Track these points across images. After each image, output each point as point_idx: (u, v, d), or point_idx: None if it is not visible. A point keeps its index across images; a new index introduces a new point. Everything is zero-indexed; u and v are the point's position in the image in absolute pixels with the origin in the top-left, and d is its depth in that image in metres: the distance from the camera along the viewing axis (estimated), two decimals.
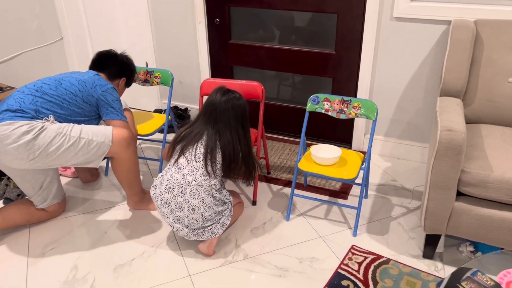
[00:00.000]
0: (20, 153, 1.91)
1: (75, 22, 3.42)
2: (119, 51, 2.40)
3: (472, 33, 2.14)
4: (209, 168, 1.90)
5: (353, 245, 2.09)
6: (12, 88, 2.83)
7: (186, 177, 1.90)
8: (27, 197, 2.19)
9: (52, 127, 1.95)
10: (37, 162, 1.95)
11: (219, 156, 1.92)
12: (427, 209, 1.85)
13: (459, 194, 1.83)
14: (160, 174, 1.99)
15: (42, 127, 1.93)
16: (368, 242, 2.12)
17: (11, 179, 2.44)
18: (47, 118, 1.99)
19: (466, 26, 2.16)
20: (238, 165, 1.99)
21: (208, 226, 1.96)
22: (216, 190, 1.95)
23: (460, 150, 1.69)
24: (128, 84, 2.46)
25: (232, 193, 2.17)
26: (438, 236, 1.95)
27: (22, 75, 3.18)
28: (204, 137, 1.94)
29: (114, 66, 2.33)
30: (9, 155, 1.91)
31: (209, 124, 1.95)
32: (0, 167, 2.03)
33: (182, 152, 1.94)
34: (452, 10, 2.32)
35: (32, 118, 1.95)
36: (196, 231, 1.96)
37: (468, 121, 2.22)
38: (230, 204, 2.03)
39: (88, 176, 2.62)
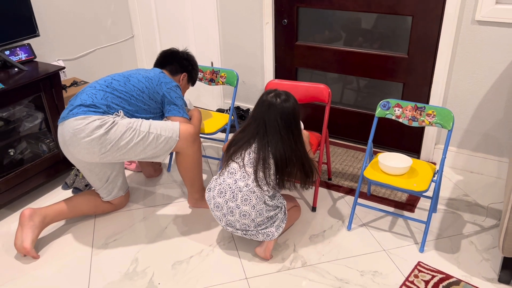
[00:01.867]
0: (93, 147, 1.97)
1: (146, 21, 3.52)
2: (181, 49, 2.44)
3: None
4: (261, 174, 1.85)
5: (419, 262, 1.96)
6: (86, 82, 2.96)
7: (238, 183, 1.87)
8: (94, 188, 2.27)
9: (123, 122, 2.00)
10: (108, 156, 2.01)
11: (271, 162, 1.86)
12: (508, 229, 1.69)
13: None
14: (214, 177, 1.97)
15: (113, 121, 1.99)
16: (437, 260, 1.98)
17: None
18: (117, 113, 2.05)
19: None
20: (293, 171, 1.92)
21: (262, 229, 1.92)
22: (268, 197, 1.89)
23: None
24: (191, 81, 2.48)
25: (287, 197, 2.11)
26: None
27: (95, 70, 3.33)
28: (254, 145, 1.89)
29: (175, 62, 2.37)
30: (82, 148, 1.98)
31: (259, 134, 1.88)
32: (71, 160, 2.12)
33: (233, 157, 1.91)
34: None
35: (104, 113, 2.01)
36: (250, 232, 1.92)
37: None
38: (283, 208, 1.97)
39: (152, 171, 2.67)
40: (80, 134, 1.96)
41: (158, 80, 2.19)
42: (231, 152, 1.94)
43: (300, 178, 1.97)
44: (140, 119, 2.07)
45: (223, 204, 1.90)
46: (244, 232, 1.93)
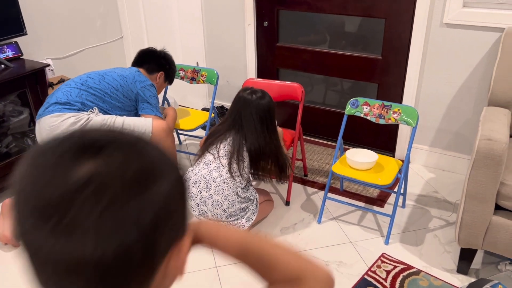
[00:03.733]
0: None
1: (134, 22, 3.62)
2: (159, 48, 2.53)
3: None
4: (234, 166, 1.94)
5: (383, 253, 2.05)
6: None
7: (212, 173, 1.95)
8: None
9: (97, 119, 2.09)
10: None
11: (246, 155, 1.96)
12: (462, 221, 1.78)
13: (498, 208, 1.73)
14: (190, 168, 2.06)
15: (88, 118, 2.08)
16: (400, 252, 2.06)
17: None
18: (92, 110, 2.14)
19: None
20: (267, 164, 2.01)
21: (233, 220, 2.00)
22: (241, 188, 1.98)
23: (500, 161, 1.61)
24: (168, 79, 2.56)
25: (260, 191, 2.19)
26: (474, 251, 1.86)
27: (84, 69, 3.41)
28: (230, 138, 1.98)
29: (152, 61, 2.45)
30: None
31: (235, 128, 1.98)
32: None
33: (209, 148, 2.00)
34: (507, 17, 2.20)
35: (79, 110, 2.11)
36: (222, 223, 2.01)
37: None
38: (255, 201, 2.05)
39: None
40: (56, 131, 2.04)
41: (133, 78, 2.28)
42: (207, 143, 2.03)
43: (275, 172, 2.06)
44: (114, 115, 2.16)
45: (197, 194, 1.98)
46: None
